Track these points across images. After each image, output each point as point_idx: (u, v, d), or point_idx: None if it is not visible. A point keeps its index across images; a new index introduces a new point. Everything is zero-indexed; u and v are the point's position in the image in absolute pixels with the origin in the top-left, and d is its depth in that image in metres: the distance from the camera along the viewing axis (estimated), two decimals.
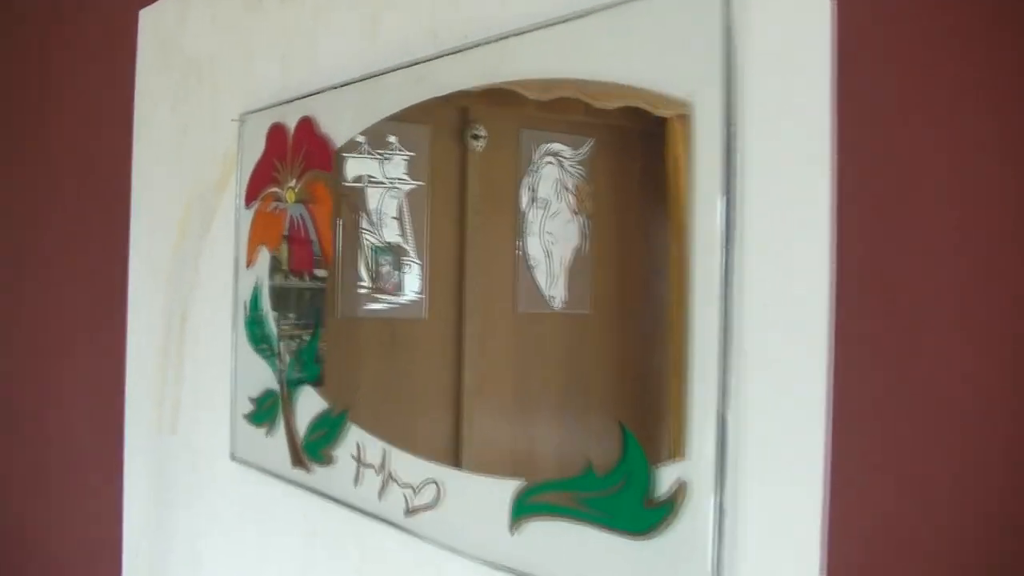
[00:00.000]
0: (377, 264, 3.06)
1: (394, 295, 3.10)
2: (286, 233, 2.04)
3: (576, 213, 3.43)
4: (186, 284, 2.13)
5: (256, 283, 2.03)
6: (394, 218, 3.03)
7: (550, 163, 3.26)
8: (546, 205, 3.28)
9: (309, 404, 1.92)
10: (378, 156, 3.02)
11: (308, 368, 2.10)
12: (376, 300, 3.14)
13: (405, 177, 3.06)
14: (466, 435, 2.92)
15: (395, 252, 3.00)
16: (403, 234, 2.98)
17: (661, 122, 1.21)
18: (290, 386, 1.99)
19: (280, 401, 1.95)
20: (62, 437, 2.57)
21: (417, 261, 2.99)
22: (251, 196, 1.97)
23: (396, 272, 3.08)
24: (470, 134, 2.82)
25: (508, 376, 3.13)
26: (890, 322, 0.89)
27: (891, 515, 0.84)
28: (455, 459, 1.94)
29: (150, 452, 2.18)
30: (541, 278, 3.18)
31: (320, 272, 2.69)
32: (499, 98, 3.16)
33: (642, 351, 3.28)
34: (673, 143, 2.36)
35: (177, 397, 2.13)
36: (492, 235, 3.07)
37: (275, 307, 2.12)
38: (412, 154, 2.95)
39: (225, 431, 1.92)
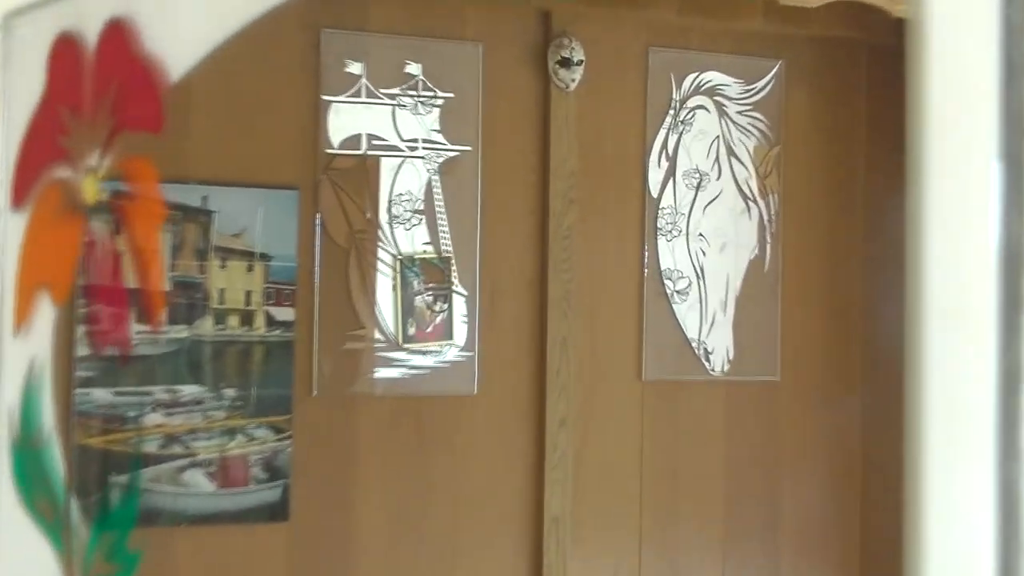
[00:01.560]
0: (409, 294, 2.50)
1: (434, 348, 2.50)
2: (82, 267, 1.58)
3: (752, 197, 2.89)
4: None
5: (31, 368, 1.56)
6: (416, 213, 2.59)
7: (703, 108, 2.78)
8: (698, 184, 2.82)
9: None
10: (388, 100, 2.56)
11: (119, 556, 1.49)
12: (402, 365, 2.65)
13: (438, 138, 2.61)
14: None
15: (425, 272, 2.53)
16: (433, 242, 2.59)
17: (901, 26, 0.98)
18: None
19: None
20: None
21: (460, 290, 2.58)
22: (23, 186, 1.59)
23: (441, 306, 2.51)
24: (557, 58, 2.62)
25: (629, 505, 2.59)
26: None
27: None
28: None
29: None
30: (689, 318, 2.72)
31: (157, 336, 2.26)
32: None
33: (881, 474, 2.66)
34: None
35: None
36: (599, 240, 2.72)
37: (63, 420, 1.71)
38: (450, 95, 2.57)
39: None
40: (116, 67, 1.46)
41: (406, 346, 2.48)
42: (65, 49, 1.53)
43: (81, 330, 1.93)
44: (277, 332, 2.39)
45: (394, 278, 2.48)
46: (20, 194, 1.60)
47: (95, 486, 2.23)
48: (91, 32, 1.46)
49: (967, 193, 0.71)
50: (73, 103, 1.52)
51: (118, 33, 1.43)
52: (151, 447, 2.32)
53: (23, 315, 1.57)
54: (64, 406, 1.83)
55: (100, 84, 1.48)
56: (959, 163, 0.74)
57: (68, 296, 1.59)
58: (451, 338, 2.53)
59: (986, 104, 0.73)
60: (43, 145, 1.59)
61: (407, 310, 2.49)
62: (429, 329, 2.52)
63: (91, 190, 1.50)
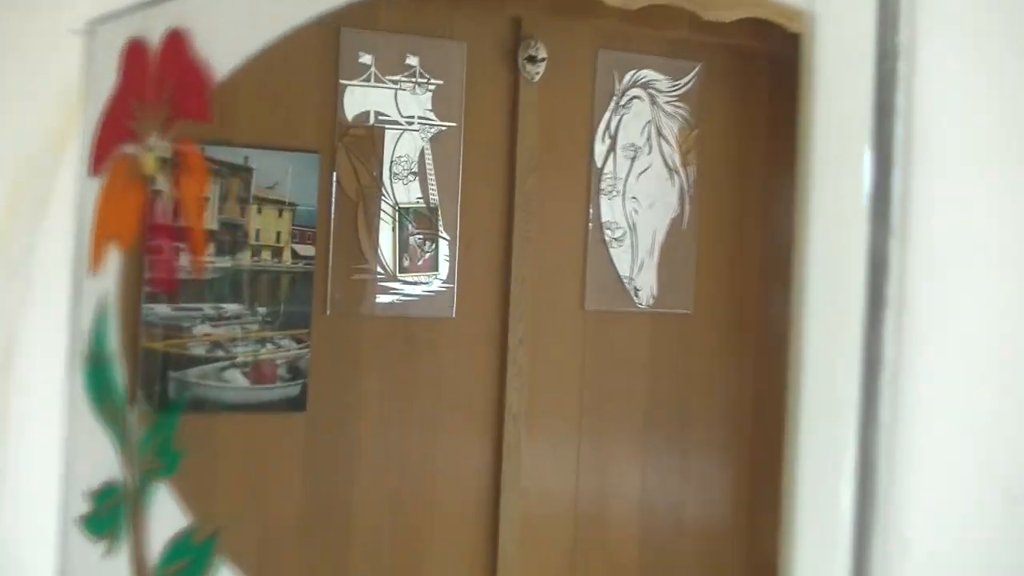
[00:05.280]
0: (404, 237, 2.83)
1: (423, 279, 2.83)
2: (144, 219, 1.72)
3: (675, 169, 3.29)
4: (12, 298, 1.89)
5: (101, 301, 1.73)
6: (411, 173, 2.94)
7: (639, 98, 3.18)
8: (633, 156, 3.21)
9: (166, 514, 1.56)
10: (392, 85, 2.92)
11: (165, 452, 1.64)
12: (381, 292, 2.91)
13: (430, 116, 2.96)
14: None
15: (417, 220, 2.92)
16: (424, 196, 2.92)
17: (795, 40, 1.10)
18: (141, 480, 1.61)
19: (125, 503, 1.62)
20: None
21: (444, 235, 2.94)
22: (99, 158, 1.77)
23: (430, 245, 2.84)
24: (525, 55, 2.98)
25: (570, 406, 2.83)
26: None
27: None
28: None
29: None
30: (622, 261, 3.01)
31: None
32: (567, 5, 2.91)
33: (766, 380, 2.92)
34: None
35: None
36: (553, 199, 3.01)
37: (127, 344, 1.72)
38: (440, 82, 2.94)
39: (51, 541, 1.67)
40: (173, 66, 1.59)
41: (400, 277, 2.86)
42: (134, 51, 1.68)
43: (146, 260, 2.00)
44: (300, 264, 2.76)
45: (392, 224, 2.86)
46: (97, 164, 1.76)
47: (156, 380, 2.41)
48: (155, 37, 1.61)
49: (841, 174, 0.83)
50: (139, 95, 1.66)
51: (175, 40, 1.58)
52: (200, 351, 2.66)
53: (97, 261, 1.74)
54: (132, 323, 1.89)
55: (160, 81, 1.61)
56: (836, 153, 0.86)
57: (132, 244, 1.74)
58: (436, 271, 2.89)
59: (861, 108, 0.85)
60: (116, 127, 1.71)
61: (402, 249, 2.86)
62: (419, 264, 2.88)
63: (150, 164, 1.65)
